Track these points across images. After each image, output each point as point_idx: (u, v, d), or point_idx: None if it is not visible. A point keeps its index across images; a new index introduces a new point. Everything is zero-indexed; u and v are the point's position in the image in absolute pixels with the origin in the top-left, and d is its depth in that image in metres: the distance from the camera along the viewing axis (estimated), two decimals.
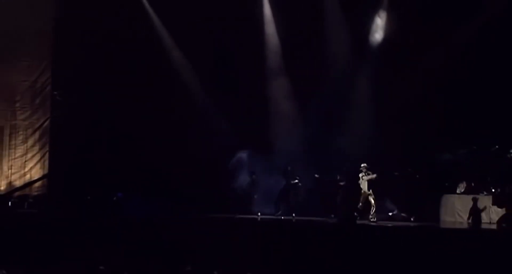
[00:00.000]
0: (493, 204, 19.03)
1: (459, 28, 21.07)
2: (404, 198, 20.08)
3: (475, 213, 19.30)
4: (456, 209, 20.06)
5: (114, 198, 20.95)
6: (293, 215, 19.50)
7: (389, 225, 18.38)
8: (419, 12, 20.90)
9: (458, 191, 20.45)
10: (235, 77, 22.14)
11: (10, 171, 23.22)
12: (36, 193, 22.56)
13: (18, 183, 22.95)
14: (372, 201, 18.89)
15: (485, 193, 19.61)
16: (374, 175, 18.79)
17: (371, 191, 18.91)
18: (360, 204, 18.99)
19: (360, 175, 19.19)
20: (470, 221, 19.28)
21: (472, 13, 20.94)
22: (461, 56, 20.72)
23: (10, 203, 21.85)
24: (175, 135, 22.00)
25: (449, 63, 20.68)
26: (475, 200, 19.39)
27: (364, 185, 18.88)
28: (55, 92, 23.03)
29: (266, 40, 22.78)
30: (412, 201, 19.95)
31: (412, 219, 19.46)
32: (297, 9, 22.00)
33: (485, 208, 19.24)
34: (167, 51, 22.65)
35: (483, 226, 19.13)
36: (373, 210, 18.69)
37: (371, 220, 18.58)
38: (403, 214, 19.80)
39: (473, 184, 20.08)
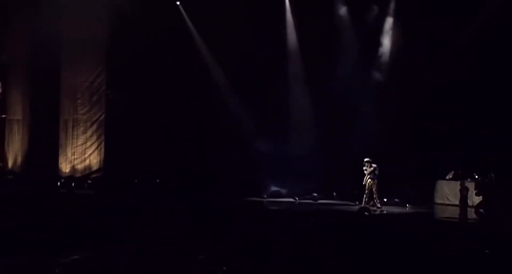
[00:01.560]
0: (474, 189, 19.77)
1: (464, 28, 21.21)
2: (402, 184, 20.31)
3: (462, 197, 20.29)
4: (445, 193, 21.14)
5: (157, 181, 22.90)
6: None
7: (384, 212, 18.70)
8: (425, 15, 21.11)
9: (447, 177, 21.38)
10: (258, 77, 22.51)
11: (73, 156, 24.85)
12: (94, 175, 24.26)
13: (79, 167, 24.55)
14: (375, 190, 19.28)
15: (469, 179, 20.45)
16: (373, 167, 19.15)
17: (374, 181, 19.26)
18: (366, 193, 19.32)
19: (364, 168, 19.44)
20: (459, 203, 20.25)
21: (474, 13, 21.16)
22: (465, 56, 20.83)
23: (73, 183, 23.23)
24: (207, 127, 23.20)
25: (455, 64, 20.79)
26: (462, 185, 20.40)
27: (366, 177, 19.30)
28: (108, 91, 24.57)
29: (288, 42, 23.16)
30: (409, 187, 20.22)
31: (407, 205, 20.02)
32: (313, 15, 22.47)
33: (469, 192, 20.08)
34: (200, 53, 23.53)
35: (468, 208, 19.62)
36: (376, 198, 19.27)
37: (377, 206, 19.11)
38: (396, 200, 20.32)
39: (460, 172, 20.98)
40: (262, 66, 22.48)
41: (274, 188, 21.98)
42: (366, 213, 15.51)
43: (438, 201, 21.11)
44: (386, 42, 22.82)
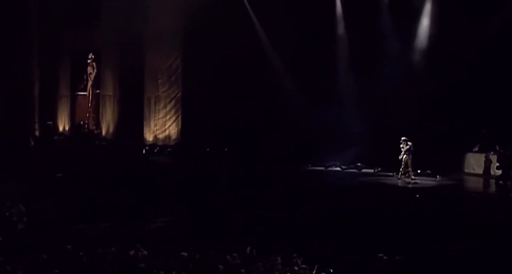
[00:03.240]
0: (496, 162, 20.25)
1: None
2: (433, 156, 21.03)
3: (486, 168, 21.55)
4: (471, 164, 22.26)
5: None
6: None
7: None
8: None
9: (473, 150, 22.36)
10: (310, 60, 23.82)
11: (155, 127, 26.85)
12: (173, 143, 26.43)
13: (161, 136, 26.64)
14: (410, 164, 20.56)
15: (492, 152, 21.08)
16: (409, 145, 20.33)
17: (409, 156, 20.47)
18: (402, 167, 20.57)
19: (401, 146, 20.47)
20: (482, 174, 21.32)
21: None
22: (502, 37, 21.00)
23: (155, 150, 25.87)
24: (267, 102, 24.55)
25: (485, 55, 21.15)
26: (486, 157, 21.55)
27: (402, 153, 20.51)
28: (184, 73, 26.52)
29: (337, 35, 24.42)
30: (439, 159, 20.97)
31: (437, 176, 21.10)
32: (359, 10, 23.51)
33: (492, 164, 21.11)
34: (261, 43, 25.25)
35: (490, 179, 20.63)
36: (412, 172, 20.60)
37: (412, 178, 20.48)
38: (428, 171, 21.27)
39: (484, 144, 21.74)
40: (314, 51, 23.85)
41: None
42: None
43: (466, 170, 22.24)
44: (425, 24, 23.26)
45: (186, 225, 16.26)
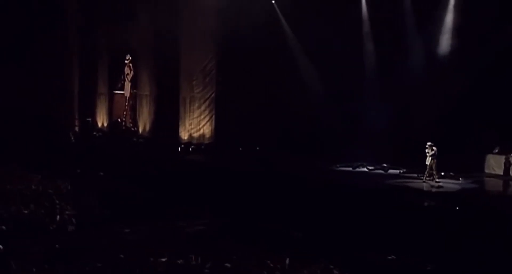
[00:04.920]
0: None
1: None
2: (456, 158, 21.03)
3: (505, 169, 21.83)
4: (491, 165, 22.45)
5: None
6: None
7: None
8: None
9: (494, 151, 22.62)
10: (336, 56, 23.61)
11: (190, 126, 27.13)
12: (207, 142, 26.86)
13: (195, 135, 26.90)
14: (434, 168, 20.62)
15: None
16: (434, 150, 20.40)
17: (434, 161, 20.55)
18: (426, 171, 20.64)
19: (426, 151, 20.58)
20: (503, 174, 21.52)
21: None
22: None
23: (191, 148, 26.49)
24: (296, 102, 24.89)
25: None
26: (506, 159, 21.88)
27: (428, 158, 20.59)
28: (219, 78, 26.89)
29: (362, 33, 24.54)
30: (462, 160, 20.99)
31: (460, 178, 21.09)
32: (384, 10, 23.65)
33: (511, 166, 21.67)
34: (291, 44, 25.70)
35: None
36: (436, 175, 20.69)
37: (436, 181, 20.46)
38: (451, 173, 21.37)
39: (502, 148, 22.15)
40: (340, 51, 23.70)
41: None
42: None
43: (486, 171, 22.42)
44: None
45: (223, 229, 16.05)
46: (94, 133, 30.18)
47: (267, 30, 25.03)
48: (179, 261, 11.85)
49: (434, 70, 23.13)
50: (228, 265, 11.79)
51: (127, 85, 30.07)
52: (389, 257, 13.12)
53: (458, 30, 22.88)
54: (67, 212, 16.91)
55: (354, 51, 24.45)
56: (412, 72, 23.19)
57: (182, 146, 26.66)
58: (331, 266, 11.79)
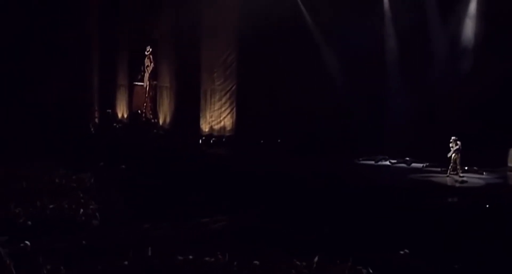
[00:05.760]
0: None
1: None
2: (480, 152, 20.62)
3: None
4: None
5: None
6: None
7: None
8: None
9: None
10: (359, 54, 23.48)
11: (211, 119, 27.12)
12: (228, 134, 26.69)
13: (216, 127, 26.89)
14: (458, 163, 20.41)
15: None
16: (458, 145, 20.19)
17: (458, 155, 20.31)
18: (450, 165, 20.46)
19: (450, 145, 20.41)
20: None
21: None
22: None
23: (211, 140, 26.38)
24: (318, 94, 24.41)
25: None
26: None
27: (452, 152, 20.35)
28: (239, 67, 26.49)
29: (385, 30, 24.13)
30: (485, 154, 20.56)
31: (483, 172, 20.93)
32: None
33: None
34: (314, 38, 25.16)
35: None
36: (460, 169, 20.46)
37: (459, 176, 20.25)
38: (475, 168, 21.06)
39: None
40: (364, 46, 23.40)
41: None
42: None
43: (509, 165, 21.67)
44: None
45: (247, 225, 15.95)
46: (114, 124, 30.22)
47: (288, 23, 24.82)
48: (207, 259, 11.96)
49: (459, 63, 22.87)
50: (256, 262, 11.85)
51: (147, 77, 30.01)
52: (401, 252, 13.09)
53: (483, 18, 22.45)
54: (91, 207, 17.15)
55: (377, 44, 24.19)
56: (437, 64, 23.05)
57: (203, 138, 26.65)
58: (359, 266, 11.80)
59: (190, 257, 11.96)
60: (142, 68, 30.41)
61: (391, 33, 24.43)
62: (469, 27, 22.94)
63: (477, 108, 21.73)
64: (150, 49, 29.78)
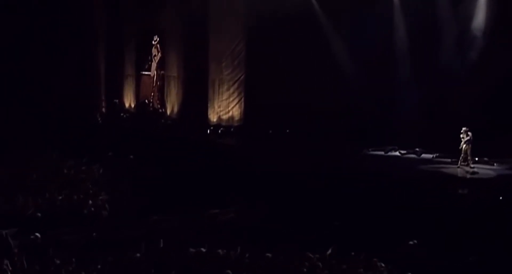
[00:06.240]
0: None
1: None
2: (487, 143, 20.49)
3: None
4: None
5: None
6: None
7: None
8: None
9: None
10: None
11: (219, 109, 26.90)
12: (236, 124, 26.48)
13: (224, 117, 26.69)
14: (469, 153, 20.31)
15: None
16: (469, 136, 20.09)
17: (469, 146, 20.20)
18: (461, 156, 20.32)
19: (461, 136, 20.30)
20: None
21: None
22: None
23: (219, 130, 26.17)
24: (329, 88, 24.22)
25: None
26: None
27: (463, 143, 20.24)
28: (247, 57, 26.28)
29: (394, 18, 23.79)
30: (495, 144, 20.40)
31: (494, 163, 20.76)
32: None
33: None
34: (322, 28, 24.89)
35: None
36: (471, 160, 20.33)
37: (470, 167, 20.16)
38: (485, 159, 20.86)
39: None
40: (371, 36, 23.46)
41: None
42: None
43: None
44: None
45: (256, 217, 16.06)
46: (122, 114, 30.14)
47: (297, 12, 24.50)
48: (219, 251, 11.93)
49: (469, 53, 22.68)
50: (269, 255, 11.80)
51: (154, 66, 29.79)
52: (410, 242, 13.05)
53: (494, 7, 22.15)
54: (100, 197, 17.21)
55: (386, 33, 24.02)
56: (447, 54, 22.86)
57: (211, 128, 26.52)
58: (374, 259, 11.73)
59: (202, 249, 11.91)
60: (149, 58, 30.09)
61: (401, 23, 24.16)
62: (479, 17, 22.67)
63: (488, 99, 21.52)
64: (158, 39, 29.42)
